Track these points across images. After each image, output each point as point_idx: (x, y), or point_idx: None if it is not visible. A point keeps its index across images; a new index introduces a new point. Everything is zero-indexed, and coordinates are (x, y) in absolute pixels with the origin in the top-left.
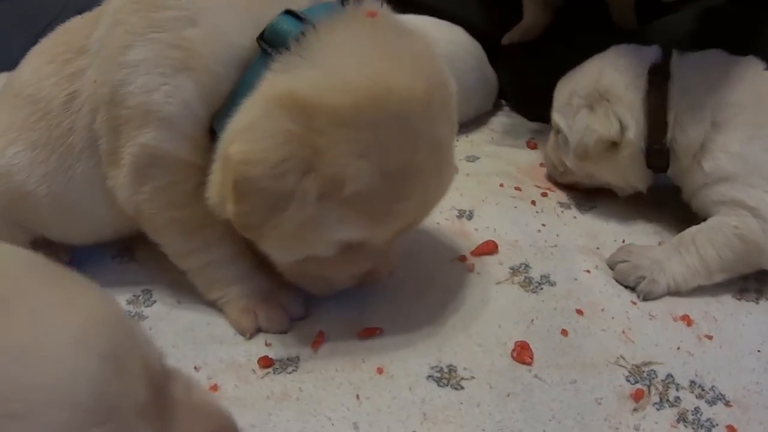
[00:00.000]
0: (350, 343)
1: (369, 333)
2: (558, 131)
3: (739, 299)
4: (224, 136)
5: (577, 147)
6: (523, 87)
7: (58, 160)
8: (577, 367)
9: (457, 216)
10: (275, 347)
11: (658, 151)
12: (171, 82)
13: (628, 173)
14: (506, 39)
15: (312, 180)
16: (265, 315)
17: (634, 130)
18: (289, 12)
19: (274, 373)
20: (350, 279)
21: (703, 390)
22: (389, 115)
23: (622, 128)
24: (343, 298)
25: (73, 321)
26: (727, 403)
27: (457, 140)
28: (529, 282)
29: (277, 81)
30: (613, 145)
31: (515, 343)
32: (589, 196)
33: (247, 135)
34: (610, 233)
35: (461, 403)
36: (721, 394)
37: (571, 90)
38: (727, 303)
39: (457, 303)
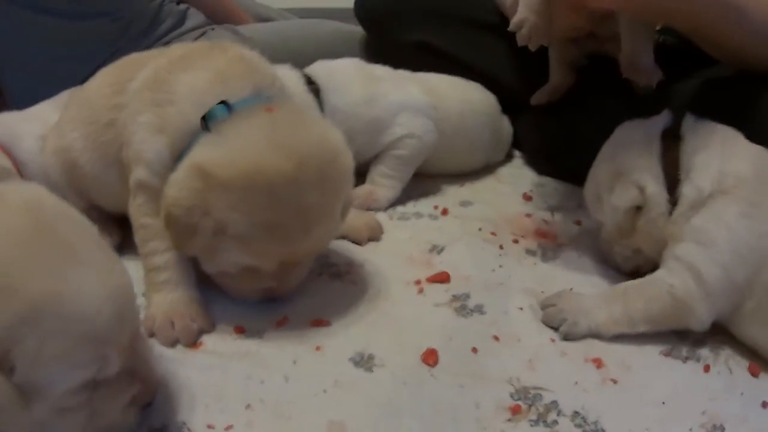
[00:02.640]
0: (304, 327)
1: (320, 323)
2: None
3: (666, 356)
4: (166, 184)
5: (613, 230)
6: (535, 142)
7: (98, 155)
8: (472, 376)
9: (429, 250)
10: (250, 320)
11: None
12: (152, 139)
13: (657, 232)
14: (534, 100)
15: (208, 221)
16: (179, 325)
17: (654, 186)
18: (224, 102)
19: (244, 337)
20: (255, 291)
21: (584, 421)
22: (256, 185)
23: (641, 191)
24: (310, 296)
25: (109, 283)
26: None
27: (462, 185)
28: (464, 308)
29: (198, 152)
30: (639, 210)
31: (427, 348)
32: (559, 248)
33: (174, 186)
34: (561, 282)
35: (366, 380)
36: (602, 429)
37: (595, 186)
38: (649, 356)
39: (396, 313)
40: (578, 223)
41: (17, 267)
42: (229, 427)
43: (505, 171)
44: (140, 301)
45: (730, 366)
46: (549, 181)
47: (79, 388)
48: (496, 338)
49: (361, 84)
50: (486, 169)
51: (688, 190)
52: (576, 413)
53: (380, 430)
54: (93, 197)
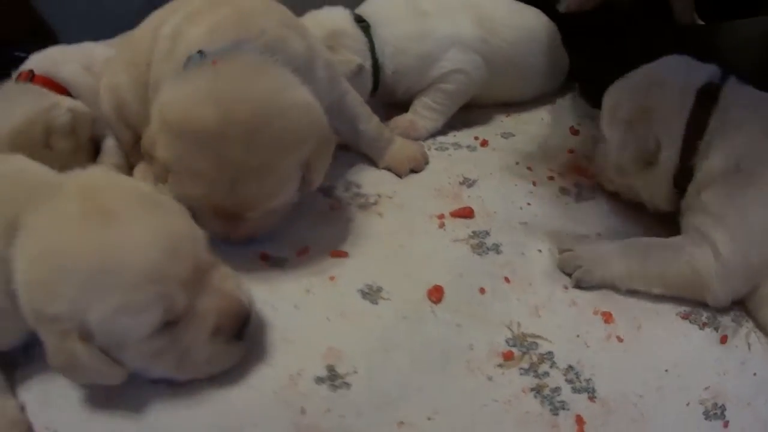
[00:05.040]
0: (323, 258)
1: (339, 254)
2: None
3: (683, 318)
4: None
5: (615, 162)
6: (588, 73)
7: (142, 94)
8: (472, 317)
9: (460, 182)
10: (275, 248)
11: (685, 173)
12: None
13: (656, 191)
14: (562, 6)
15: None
16: None
17: (670, 150)
18: (200, 51)
19: (268, 264)
20: (212, 228)
21: (577, 377)
22: (183, 132)
23: (659, 148)
24: (334, 225)
25: (152, 230)
26: (592, 398)
27: (508, 115)
28: (481, 245)
29: (163, 92)
30: (649, 163)
31: (434, 284)
32: (594, 188)
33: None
34: (591, 225)
35: (369, 311)
36: (592, 388)
37: (617, 101)
38: (665, 316)
39: (413, 246)
40: None
41: (69, 248)
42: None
43: (558, 102)
44: None
45: (749, 341)
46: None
47: (157, 331)
48: (507, 280)
49: (410, 19)
50: (538, 99)
51: (704, 166)
52: (570, 367)
53: (372, 360)
54: (140, 131)
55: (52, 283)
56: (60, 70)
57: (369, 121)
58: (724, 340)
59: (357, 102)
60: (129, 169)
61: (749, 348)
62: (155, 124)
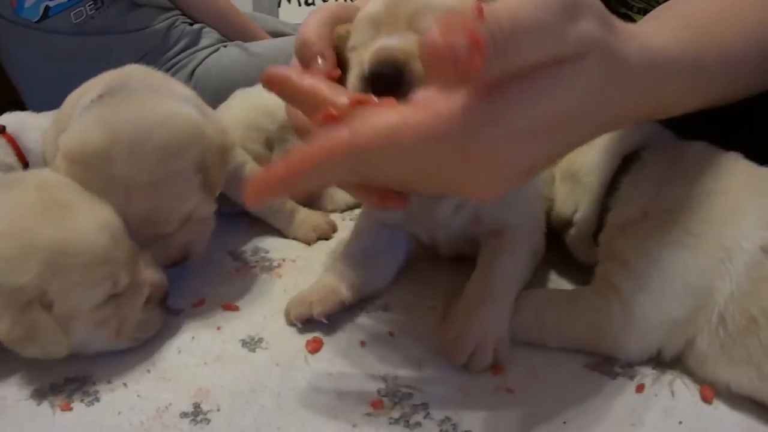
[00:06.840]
0: (214, 310)
1: (230, 307)
2: None
3: (591, 369)
4: None
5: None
6: None
7: None
8: (346, 368)
9: None
10: (175, 299)
11: (599, 231)
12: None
13: (577, 250)
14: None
15: None
16: None
17: (583, 213)
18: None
19: (166, 313)
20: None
21: (454, 428)
22: (75, 161)
23: (576, 210)
24: (233, 284)
25: (98, 220)
26: None
27: None
28: (370, 303)
29: (66, 132)
30: (569, 224)
31: (313, 337)
32: None
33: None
34: None
35: (245, 358)
36: None
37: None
38: (569, 366)
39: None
40: None
41: (32, 230)
42: (125, 383)
43: None
44: None
45: (673, 388)
46: None
47: (103, 304)
48: (391, 334)
49: None
50: None
51: (614, 219)
52: (447, 419)
53: (236, 400)
54: None
55: (17, 259)
56: (25, 136)
57: None
58: (640, 388)
59: (256, 172)
60: None
61: (672, 395)
62: (57, 158)
